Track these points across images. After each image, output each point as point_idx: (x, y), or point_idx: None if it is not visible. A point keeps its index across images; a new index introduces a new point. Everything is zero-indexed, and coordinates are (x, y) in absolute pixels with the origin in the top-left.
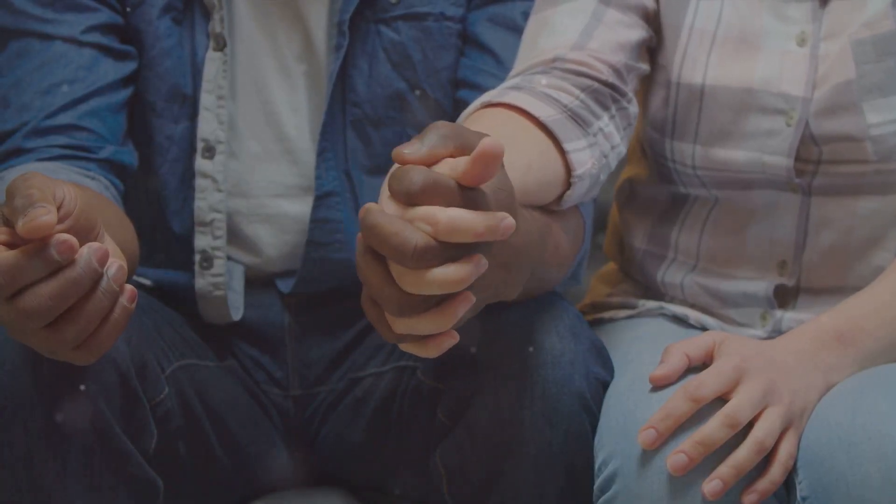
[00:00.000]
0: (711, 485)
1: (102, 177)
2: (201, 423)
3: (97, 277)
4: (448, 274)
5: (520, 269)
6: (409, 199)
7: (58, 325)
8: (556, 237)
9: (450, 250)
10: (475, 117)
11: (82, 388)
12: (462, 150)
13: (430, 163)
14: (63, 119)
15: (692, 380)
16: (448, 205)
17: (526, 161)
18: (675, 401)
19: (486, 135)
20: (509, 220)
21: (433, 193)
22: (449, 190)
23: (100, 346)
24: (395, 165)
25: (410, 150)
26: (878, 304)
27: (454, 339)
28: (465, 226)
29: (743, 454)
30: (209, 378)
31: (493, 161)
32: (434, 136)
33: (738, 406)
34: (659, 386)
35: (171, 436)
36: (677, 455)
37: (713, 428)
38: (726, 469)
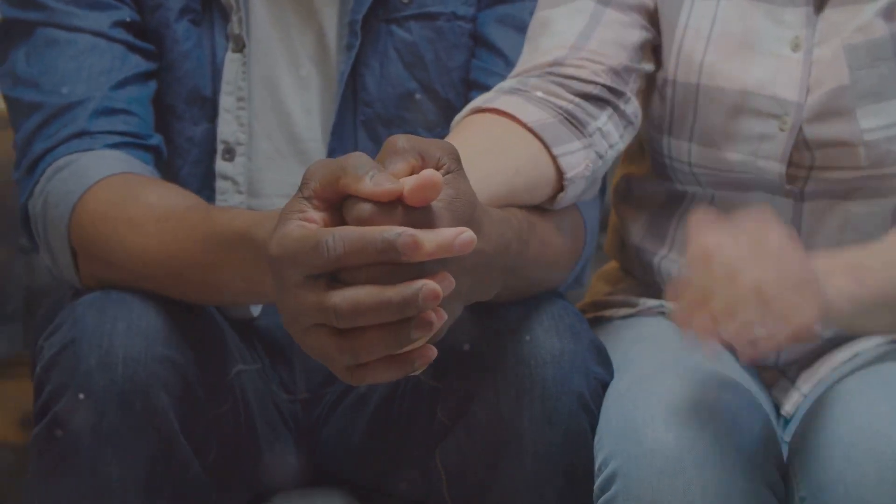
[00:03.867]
0: None
1: (154, 169)
2: (241, 429)
3: (413, 311)
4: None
5: (490, 272)
6: (360, 224)
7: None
8: (543, 235)
9: (409, 269)
10: (466, 122)
11: (153, 396)
12: (424, 161)
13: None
14: (118, 103)
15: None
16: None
17: (514, 164)
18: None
19: (448, 144)
20: (467, 235)
21: (384, 217)
22: (398, 211)
23: (361, 377)
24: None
25: (374, 183)
26: (884, 254)
27: (432, 352)
28: None
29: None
30: (250, 383)
31: (430, 190)
32: (394, 158)
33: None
34: None
35: (222, 442)
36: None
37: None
38: None
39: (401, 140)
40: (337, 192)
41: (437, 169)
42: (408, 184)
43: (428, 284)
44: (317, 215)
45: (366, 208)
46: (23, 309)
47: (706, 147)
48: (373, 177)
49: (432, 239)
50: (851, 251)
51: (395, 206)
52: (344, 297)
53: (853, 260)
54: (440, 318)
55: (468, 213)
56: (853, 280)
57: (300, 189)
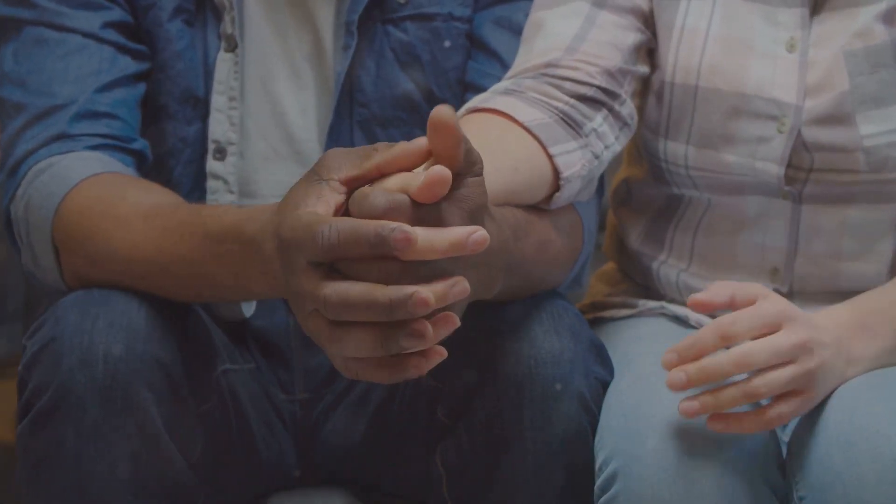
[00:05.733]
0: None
1: (135, 172)
2: (231, 428)
3: (401, 316)
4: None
5: (492, 270)
6: (368, 218)
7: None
8: (541, 234)
9: (419, 268)
10: (462, 122)
11: (135, 393)
12: (470, 157)
13: (449, 140)
14: (102, 106)
15: (727, 315)
16: (410, 223)
17: (512, 164)
18: (705, 333)
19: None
20: (480, 234)
21: (395, 214)
22: (408, 208)
23: (359, 372)
24: (357, 190)
25: (452, 115)
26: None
27: (442, 354)
28: (426, 244)
29: (719, 360)
30: (240, 382)
31: (440, 186)
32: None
33: (758, 348)
34: (697, 309)
35: (209, 440)
36: (670, 353)
37: (722, 360)
38: (695, 368)
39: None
40: (367, 176)
41: (472, 171)
42: (418, 180)
43: (420, 291)
44: (333, 199)
45: (376, 203)
46: (23, 309)
47: (703, 149)
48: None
49: (445, 237)
50: (855, 301)
51: (403, 202)
52: (334, 289)
53: (859, 312)
54: (446, 326)
55: (479, 214)
56: (866, 335)
57: (317, 173)
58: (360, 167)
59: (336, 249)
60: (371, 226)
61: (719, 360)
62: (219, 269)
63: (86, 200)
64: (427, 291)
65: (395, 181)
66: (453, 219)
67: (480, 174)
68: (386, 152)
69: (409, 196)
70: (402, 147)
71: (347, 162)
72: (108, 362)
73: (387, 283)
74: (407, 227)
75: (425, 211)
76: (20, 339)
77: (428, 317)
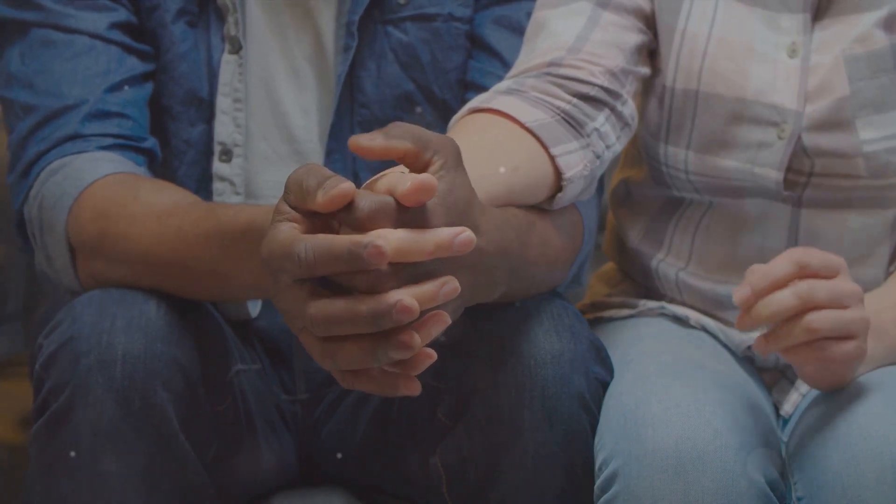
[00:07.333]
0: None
1: (147, 171)
2: (241, 429)
3: (387, 325)
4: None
5: (492, 271)
6: (358, 224)
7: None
8: (543, 235)
9: (407, 270)
10: (463, 122)
11: (153, 394)
12: (419, 149)
13: (383, 155)
14: (112, 106)
15: (807, 281)
16: (395, 225)
17: (512, 164)
18: (784, 293)
19: (449, 140)
20: (466, 235)
21: (380, 216)
22: (393, 211)
23: (354, 381)
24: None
25: (367, 138)
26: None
27: (431, 357)
28: (412, 246)
29: (782, 294)
30: (249, 383)
31: (425, 193)
32: (393, 133)
33: (822, 290)
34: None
35: (221, 441)
36: (742, 288)
37: (785, 295)
38: (758, 278)
39: (403, 125)
40: (306, 209)
41: (429, 163)
42: (403, 186)
43: (404, 300)
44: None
45: (362, 206)
46: (23, 309)
47: (703, 155)
48: (324, 187)
49: (431, 239)
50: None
51: (388, 206)
52: (318, 307)
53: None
54: (437, 325)
55: (463, 209)
56: (874, 335)
57: (284, 194)
58: (301, 203)
59: (315, 268)
60: (345, 243)
61: (784, 295)
62: (236, 266)
63: (99, 201)
64: (411, 299)
65: (381, 182)
66: (438, 219)
67: (455, 167)
68: (327, 194)
69: (394, 198)
70: (334, 194)
71: (298, 191)
72: (126, 362)
73: (375, 288)
74: (380, 240)
75: (410, 212)
76: (20, 339)
77: (419, 316)
